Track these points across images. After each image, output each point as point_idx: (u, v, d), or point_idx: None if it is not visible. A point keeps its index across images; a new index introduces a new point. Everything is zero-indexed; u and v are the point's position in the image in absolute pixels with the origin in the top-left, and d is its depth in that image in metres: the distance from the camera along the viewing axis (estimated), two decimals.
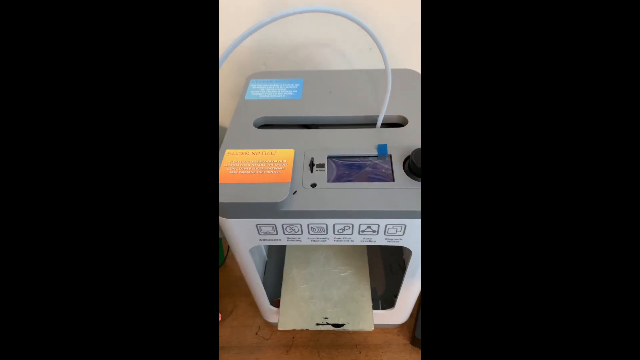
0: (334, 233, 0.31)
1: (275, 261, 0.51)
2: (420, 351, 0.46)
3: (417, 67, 0.46)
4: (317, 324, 0.42)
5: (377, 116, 0.35)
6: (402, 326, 0.49)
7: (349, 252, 0.49)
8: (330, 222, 0.30)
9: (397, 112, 0.36)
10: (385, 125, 0.35)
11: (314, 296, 0.45)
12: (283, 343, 0.48)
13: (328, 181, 0.30)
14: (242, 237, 0.32)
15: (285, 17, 0.26)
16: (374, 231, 0.30)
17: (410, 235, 0.31)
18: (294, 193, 0.29)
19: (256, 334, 0.49)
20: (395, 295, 0.41)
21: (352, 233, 0.31)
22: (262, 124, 0.37)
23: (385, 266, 0.50)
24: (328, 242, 0.32)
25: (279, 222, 0.30)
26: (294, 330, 0.49)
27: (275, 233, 0.31)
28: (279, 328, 0.42)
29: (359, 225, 0.30)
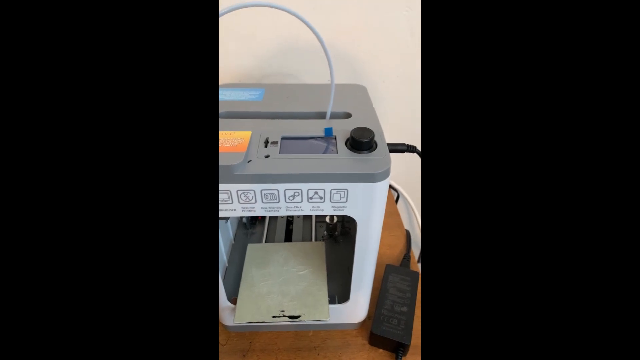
0: (285, 201, 0.34)
1: (236, 267, 0.51)
2: (378, 350, 0.46)
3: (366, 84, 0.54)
4: (274, 317, 0.42)
5: (326, 111, 0.40)
6: (361, 328, 0.49)
7: (308, 253, 0.51)
8: (281, 187, 0.33)
9: (343, 109, 0.42)
10: (334, 118, 0.41)
11: (271, 292, 0.45)
12: (240, 348, 0.46)
13: (280, 154, 0.34)
14: None
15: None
16: (320, 197, 0.34)
17: (353, 202, 0.34)
18: (248, 161, 0.33)
19: None
20: (351, 269, 0.42)
21: (302, 201, 0.34)
22: (226, 117, 0.41)
23: (343, 268, 0.52)
24: (280, 213, 0.35)
25: (234, 187, 0.33)
26: (251, 334, 0.48)
27: (230, 202, 0.34)
28: (235, 321, 0.42)
29: (307, 191, 0.33)
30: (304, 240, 0.56)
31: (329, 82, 0.38)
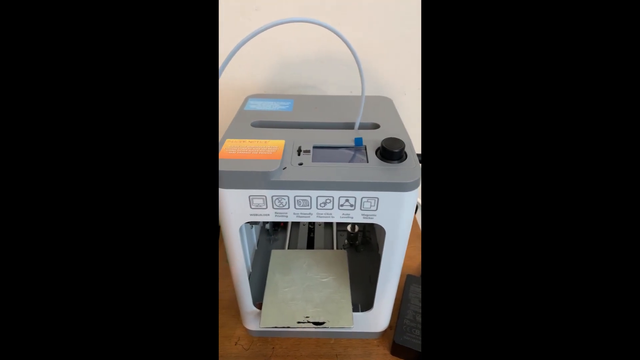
0: (317, 207, 0.35)
1: (259, 273, 0.52)
2: None
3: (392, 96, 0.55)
4: (298, 322, 0.43)
5: (355, 122, 0.42)
6: (382, 338, 0.49)
7: (330, 261, 0.52)
8: (313, 194, 0.34)
9: (372, 120, 0.43)
10: (362, 128, 0.42)
11: (295, 298, 0.46)
12: (263, 353, 0.47)
13: (313, 162, 0.35)
14: (235, 210, 0.36)
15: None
16: (351, 205, 0.35)
17: (383, 211, 0.35)
18: (283, 169, 0.34)
19: (235, 344, 0.48)
20: (373, 279, 0.43)
21: (333, 207, 0.35)
22: (259, 126, 0.43)
23: (364, 278, 0.52)
24: (311, 219, 0.36)
25: (269, 193, 0.34)
26: (274, 339, 0.48)
27: (265, 207, 0.35)
28: (261, 325, 0.42)
29: (339, 198, 0.35)
30: (325, 248, 0.57)
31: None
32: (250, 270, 0.53)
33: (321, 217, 0.36)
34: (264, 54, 0.63)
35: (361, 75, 0.37)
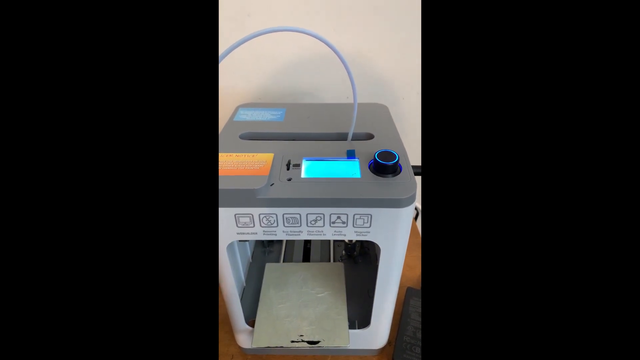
0: (307, 225, 0.33)
1: (253, 287, 0.51)
2: None
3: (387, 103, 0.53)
4: (292, 341, 0.41)
5: (348, 132, 0.40)
6: (381, 355, 0.47)
7: (326, 275, 0.50)
8: (303, 211, 0.32)
9: (365, 130, 0.41)
10: (356, 139, 0.40)
11: (290, 315, 0.44)
12: None
13: (303, 176, 0.34)
14: (221, 229, 0.34)
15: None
16: (343, 222, 0.33)
17: (377, 228, 0.33)
18: (271, 185, 0.33)
19: None
20: (371, 293, 0.41)
21: (324, 225, 0.33)
22: (248, 137, 0.41)
23: (362, 291, 0.50)
24: (302, 236, 0.34)
25: (256, 211, 0.32)
26: (269, 357, 0.47)
27: (252, 225, 0.33)
28: (253, 345, 0.41)
29: (330, 216, 0.33)
30: (322, 260, 0.55)
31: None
32: (245, 285, 0.51)
33: (312, 234, 0.34)
34: (256, 60, 0.61)
35: (352, 85, 0.36)
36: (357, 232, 0.34)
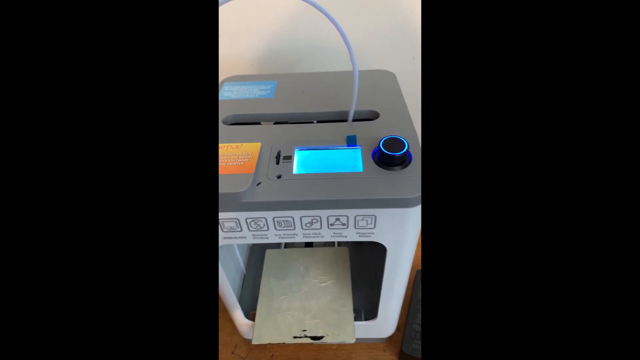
0: (302, 228, 0.29)
1: (254, 274, 0.48)
2: None
3: (396, 69, 0.46)
4: (295, 337, 0.39)
5: (349, 111, 0.34)
6: (389, 341, 0.45)
7: (330, 261, 0.47)
8: (296, 214, 0.28)
9: (369, 107, 0.35)
10: (358, 120, 0.35)
11: (291, 307, 0.42)
12: None
13: (294, 172, 0.29)
14: None
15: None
16: (343, 224, 0.29)
17: (382, 228, 0.29)
18: (257, 184, 0.28)
19: (232, 352, 0.45)
20: (378, 278, 0.38)
21: (321, 227, 0.29)
22: (232, 122, 0.36)
23: (369, 275, 0.48)
24: (297, 239, 0.30)
25: (242, 215, 0.28)
26: (273, 346, 0.45)
27: (239, 229, 0.29)
28: (254, 343, 0.39)
29: (327, 218, 0.28)
30: (325, 243, 0.52)
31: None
32: (245, 272, 0.49)
33: (308, 237, 0.30)
34: (245, 22, 0.53)
35: (350, 53, 0.29)
36: (359, 233, 0.30)
